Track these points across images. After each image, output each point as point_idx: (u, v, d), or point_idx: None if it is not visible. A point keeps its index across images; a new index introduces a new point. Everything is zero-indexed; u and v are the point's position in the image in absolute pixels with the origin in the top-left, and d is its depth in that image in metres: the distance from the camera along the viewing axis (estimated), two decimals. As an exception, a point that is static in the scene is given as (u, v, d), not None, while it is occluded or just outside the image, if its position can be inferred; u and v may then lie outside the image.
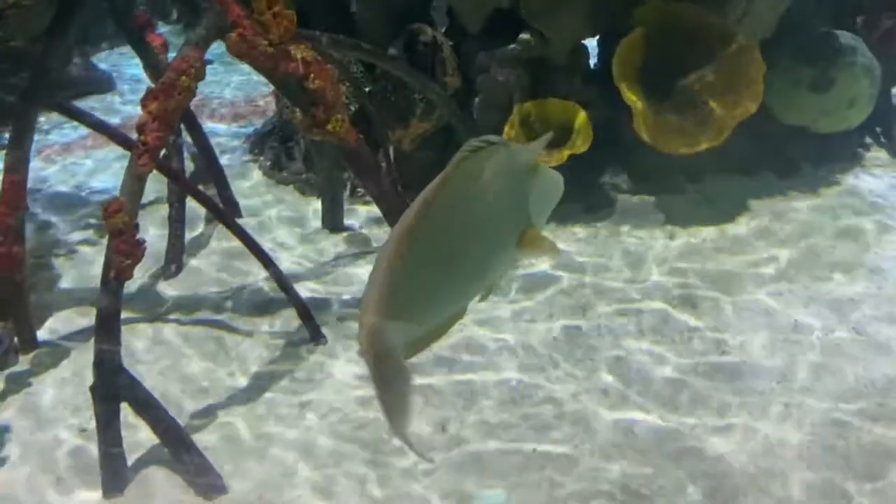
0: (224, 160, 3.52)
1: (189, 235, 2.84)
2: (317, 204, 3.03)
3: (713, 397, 2.01)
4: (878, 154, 3.29)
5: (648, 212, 2.95)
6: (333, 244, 2.86)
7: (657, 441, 1.87)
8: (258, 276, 2.55)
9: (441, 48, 2.98)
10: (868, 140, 3.38)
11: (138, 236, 1.87)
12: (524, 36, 2.90)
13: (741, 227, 2.82)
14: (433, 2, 3.12)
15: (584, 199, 3.02)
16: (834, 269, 2.55)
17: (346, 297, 2.53)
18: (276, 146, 3.49)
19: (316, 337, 2.27)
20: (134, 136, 1.97)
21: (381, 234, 2.84)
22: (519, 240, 1.17)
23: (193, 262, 2.77)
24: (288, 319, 2.38)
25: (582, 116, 2.88)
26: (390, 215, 2.40)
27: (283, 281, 2.27)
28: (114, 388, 1.81)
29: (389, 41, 3.04)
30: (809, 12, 3.16)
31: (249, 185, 3.35)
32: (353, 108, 2.94)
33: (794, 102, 3.05)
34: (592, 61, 3.17)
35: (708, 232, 2.80)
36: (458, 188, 1.09)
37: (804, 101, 3.02)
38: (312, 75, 2.08)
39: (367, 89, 3.11)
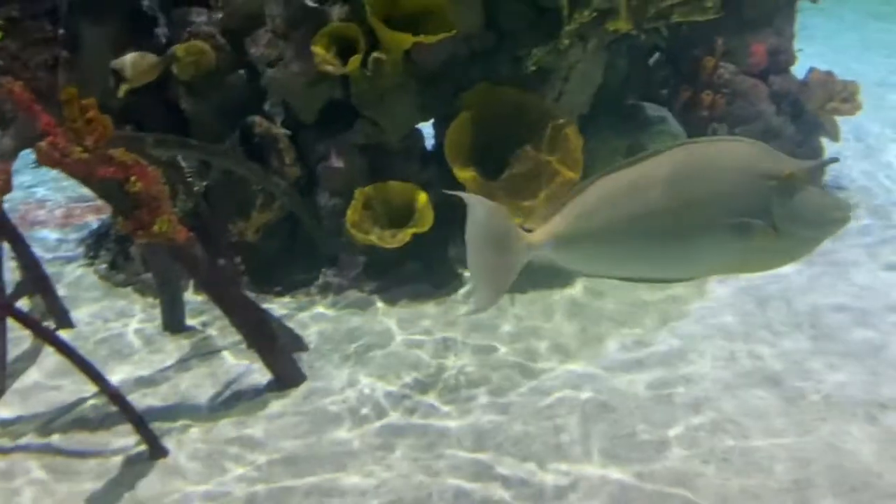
0: (56, 266, 3.34)
1: (13, 353, 2.64)
2: (156, 305, 2.91)
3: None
4: (694, 211, 3.59)
5: (493, 283, 3.04)
6: (174, 346, 2.74)
7: None
8: (89, 391, 2.39)
9: (277, 139, 3.00)
10: (685, 198, 3.68)
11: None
12: (359, 124, 2.98)
13: (577, 289, 2.97)
14: (268, 94, 3.14)
15: (432, 276, 3.09)
16: (665, 319, 2.72)
17: (188, 402, 2.42)
18: (113, 247, 3.35)
19: (156, 451, 2.14)
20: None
21: (224, 332, 2.75)
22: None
23: (18, 383, 2.56)
24: (124, 435, 2.23)
25: (422, 197, 2.96)
26: (229, 312, 2.34)
27: (115, 394, 2.13)
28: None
29: (224, 136, 3.04)
30: (620, 88, 3.45)
31: (83, 290, 3.17)
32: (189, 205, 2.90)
33: (616, 170, 3.28)
34: (430, 143, 3.28)
35: (548, 296, 2.92)
36: (668, 162, 1.19)
37: (624, 168, 3.26)
38: (133, 178, 2.03)
39: (203, 183, 3.08)
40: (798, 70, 3.65)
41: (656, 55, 3.68)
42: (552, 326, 2.74)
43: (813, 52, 6.09)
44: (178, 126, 3.08)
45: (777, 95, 3.49)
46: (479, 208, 1.33)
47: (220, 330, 2.78)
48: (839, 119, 3.53)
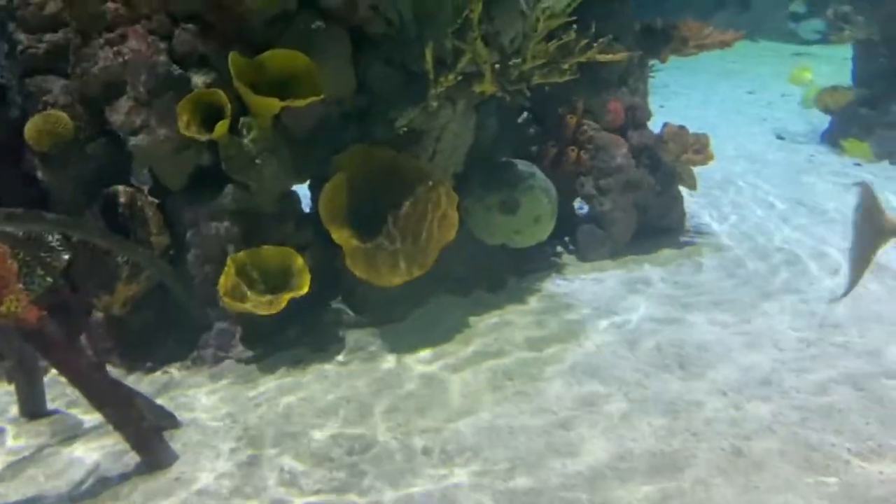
0: None
1: None
2: (11, 390, 2.70)
3: None
4: (568, 260, 3.73)
5: (376, 344, 3.02)
6: (33, 433, 2.54)
7: None
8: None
9: (143, 208, 2.91)
10: (559, 249, 3.82)
11: None
12: (229, 188, 2.93)
13: (463, 344, 2.99)
14: (132, 162, 3.05)
15: (312, 340, 3.03)
16: (543, 367, 2.78)
17: (47, 494, 2.24)
18: (-35, 331, 3.11)
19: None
20: None
21: (90, 414, 2.57)
22: None
23: None
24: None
25: (298, 260, 2.93)
26: (88, 394, 2.20)
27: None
28: None
29: (85, 206, 2.91)
30: (491, 146, 3.57)
31: (-69, 379, 2.91)
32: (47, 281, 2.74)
33: (491, 225, 3.37)
34: (307, 204, 3.26)
35: (434, 355, 2.92)
36: None
37: (498, 222, 3.35)
38: (-25, 257, 1.91)
39: (65, 257, 2.92)
40: (654, 125, 3.91)
41: (524, 114, 3.85)
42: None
43: (670, 107, 6.55)
44: (37, 199, 2.94)
45: (636, 149, 3.70)
46: (869, 196, 1.54)
47: (86, 412, 2.61)
48: (695, 169, 3.78)
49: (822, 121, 5.68)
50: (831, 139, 5.32)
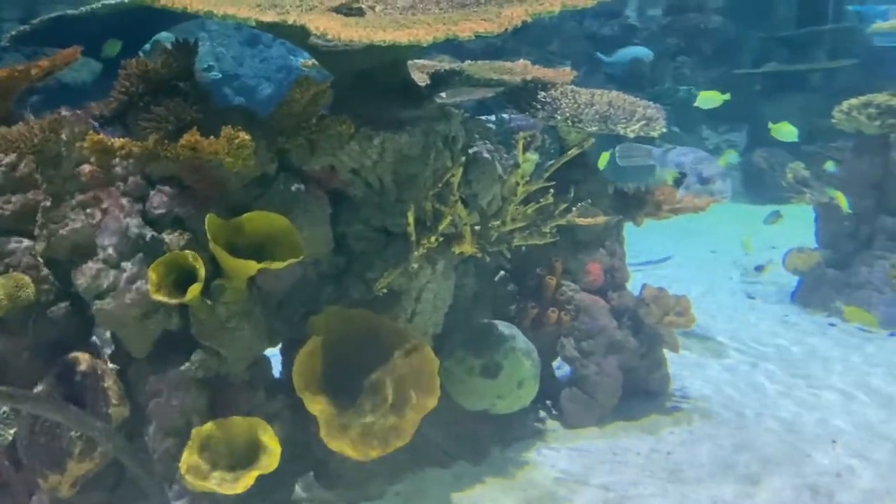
0: None
1: None
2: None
3: None
4: (552, 426, 3.55)
5: (349, 526, 2.76)
6: None
7: None
8: None
9: (103, 377, 2.70)
10: (542, 414, 3.65)
11: None
12: (198, 355, 2.76)
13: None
14: (95, 327, 2.88)
15: (280, 522, 2.77)
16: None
17: None
18: None
19: None
20: None
21: None
22: None
23: None
24: None
25: (268, 433, 2.71)
26: None
27: None
28: None
29: (40, 376, 2.70)
30: (470, 306, 3.49)
31: None
32: (-13, 460, 2.47)
33: (472, 389, 3.22)
34: (277, 370, 3.09)
35: None
36: None
37: (479, 387, 3.21)
38: None
39: (10, 432, 2.67)
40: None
41: (500, 272, 3.81)
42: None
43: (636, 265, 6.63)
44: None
45: (617, 311, 3.65)
46: None
47: None
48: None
49: (788, 280, 5.77)
50: (801, 299, 5.38)
